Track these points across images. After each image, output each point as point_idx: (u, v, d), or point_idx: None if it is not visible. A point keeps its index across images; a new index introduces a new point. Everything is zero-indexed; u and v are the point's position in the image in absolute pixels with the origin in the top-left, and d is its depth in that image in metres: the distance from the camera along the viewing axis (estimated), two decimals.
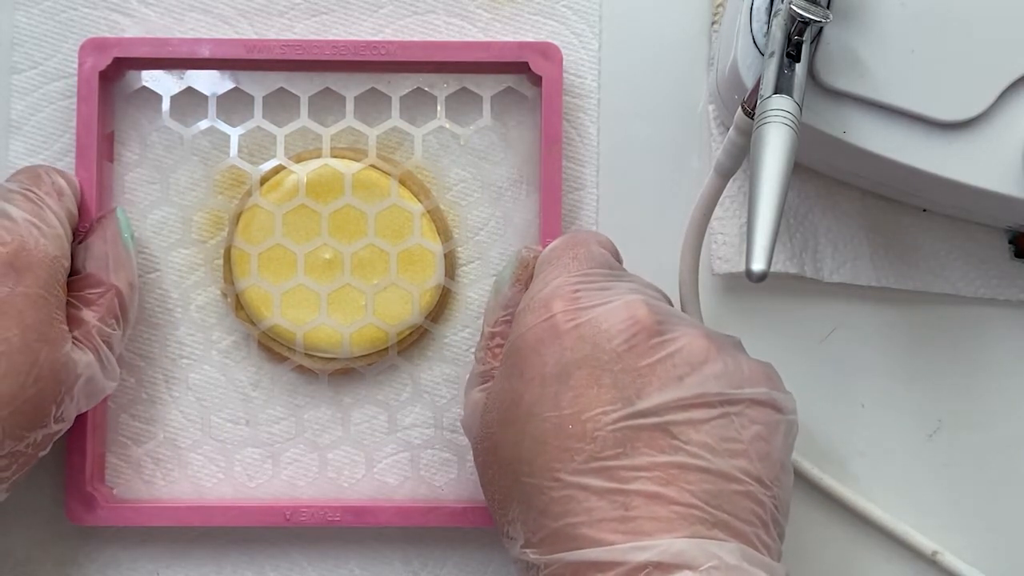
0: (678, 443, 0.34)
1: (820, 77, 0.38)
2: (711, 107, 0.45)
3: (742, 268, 0.41)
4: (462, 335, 0.45)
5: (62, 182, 0.42)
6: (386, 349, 0.44)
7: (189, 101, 0.44)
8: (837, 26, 0.38)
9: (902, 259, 0.45)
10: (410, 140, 0.45)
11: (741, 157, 0.39)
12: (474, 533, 0.44)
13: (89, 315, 0.40)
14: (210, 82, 0.44)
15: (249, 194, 0.44)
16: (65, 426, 0.39)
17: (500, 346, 0.39)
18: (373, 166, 0.44)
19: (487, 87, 0.44)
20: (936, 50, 0.39)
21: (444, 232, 0.44)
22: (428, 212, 0.44)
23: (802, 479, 0.44)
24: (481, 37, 0.45)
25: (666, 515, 0.33)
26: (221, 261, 0.44)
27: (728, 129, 0.40)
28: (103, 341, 0.40)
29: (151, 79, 0.44)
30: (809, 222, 0.44)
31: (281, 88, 0.44)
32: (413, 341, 0.44)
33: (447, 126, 0.45)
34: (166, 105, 0.44)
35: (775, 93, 0.35)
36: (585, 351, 0.35)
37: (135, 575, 0.44)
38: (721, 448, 0.34)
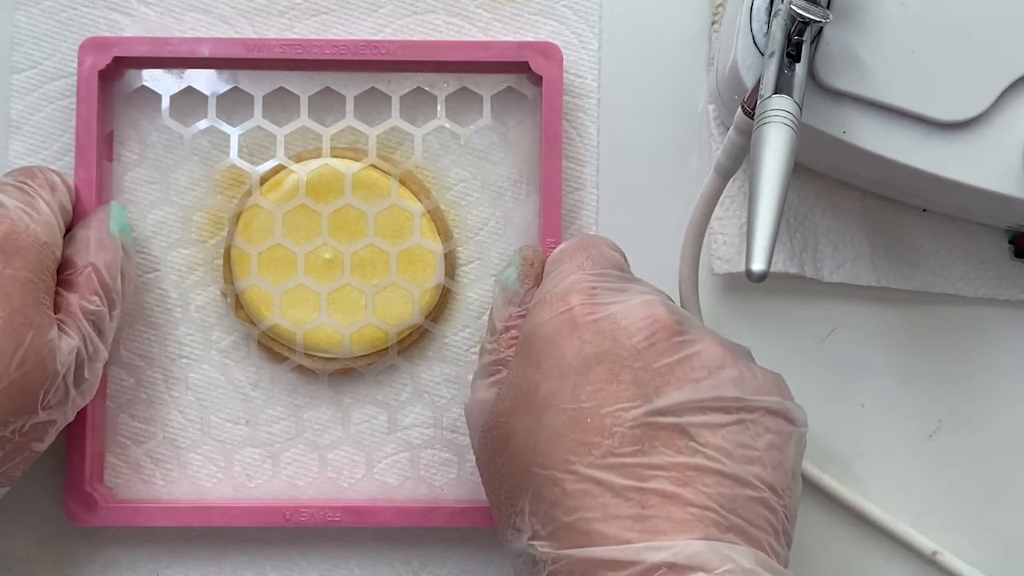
0: (695, 445, 0.34)
1: (820, 77, 0.38)
2: (711, 107, 0.45)
3: (742, 268, 0.41)
4: (462, 335, 0.45)
5: (55, 178, 0.42)
6: (386, 349, 0.44)
7: (189, 100, 0.44)
8: (837, 26, 0.38)
9: (902, 259, 0.45)
10: (410, 140, 0.45)
11: (741, 157, 0.39)
12: (474, 533, 0.44)
13: (70, 296, 0.40)
14: (210, 81, 0.44)
15: (249, 194, 0.44)
16: (60, 417, 0.39)
17: (515, 339, 0.39)
18: (373, 166, 0.44)
19: (487, 87, 0.44)
20: (936, 50, 0.39)
21: (444, 232, 0.44)
22: (428, 212, 0.44)
23: (803, 479, 0.44)
24: (481, 37, 0.45)
25: (682, 516, 0.33)
26: (221, 261, 0.44)
27: (728, 129, 0.40)
28: (87, 320, 0.40)
29: (151, 78, 0.44)
30: (809, 222, 0.44)
31: (281, 88, 0.44)
32: (413, 341, 0.44)
33: (447, 126, 0.45)
34: (166, 104, 0.44)
35: (775, 93, 0.35)
36: (605, 345, 0.35)
37: (135, 575, 0.44)
38: (737, 453, 0.34)
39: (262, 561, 0.44)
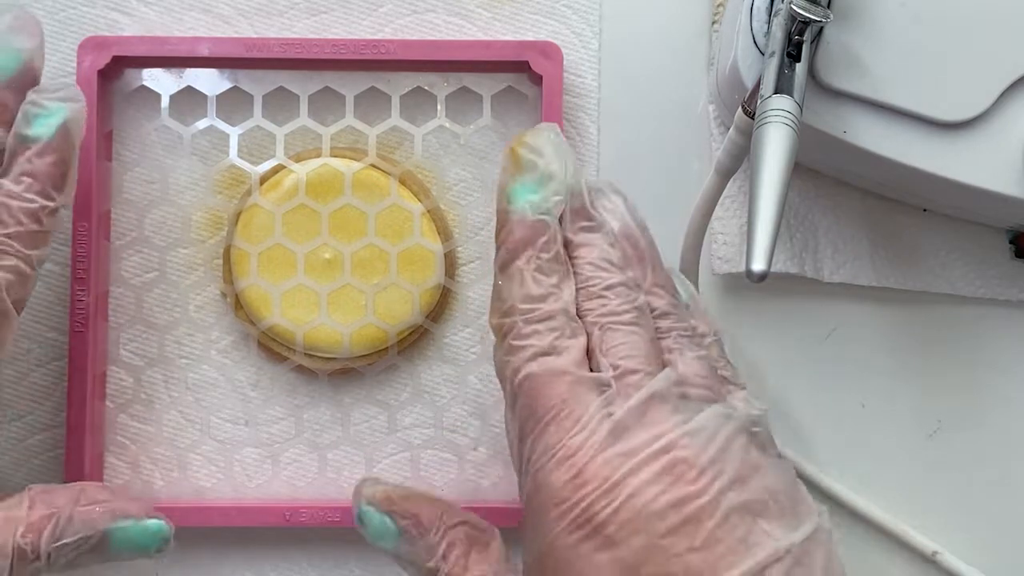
0: None
1: (820, 77, 0.38)
2: (711, 107, 0.45)
3: (742, 268, 0.41)
4: (462, 335, 0.45)
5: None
6: (386, 349, 0.44)
7: (188, 100, 0.44)
8: (837, 26, 0.38)
9: (902, 259, 0.45)
10: (410, 139, 0.45)
11: (741, 157, 0.39)
12: None
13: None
14: (209, 81, 0.44)
15: (249, 193, 0.44)
16: None
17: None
18: (373, 165, 0.44)
19: (487, 86, 0.44)
20: (936, 50, 0.39)
21: (444, 232, 0.44)
22: (428, 212, 0.44)
23: (802, 479, 0.44)
24: (481, 36, 0.45)
25: None
26: (220, 261, 0.44)
27: (728, 129, 0.40)
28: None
29: (150, 78, 0.44)
30: (809, 222, 0.44)
31: (281, 87, 0.44)
32: (413, 341, 0.44)
33: (447, 125, 0.45)
34: (165, 104, 0.44)
35: (775, 93, 0.35)
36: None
37: (135, 575, 0.44)
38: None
39: (262, 561, 0.44)
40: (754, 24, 0.39)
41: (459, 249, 0.45)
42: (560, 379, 0.33)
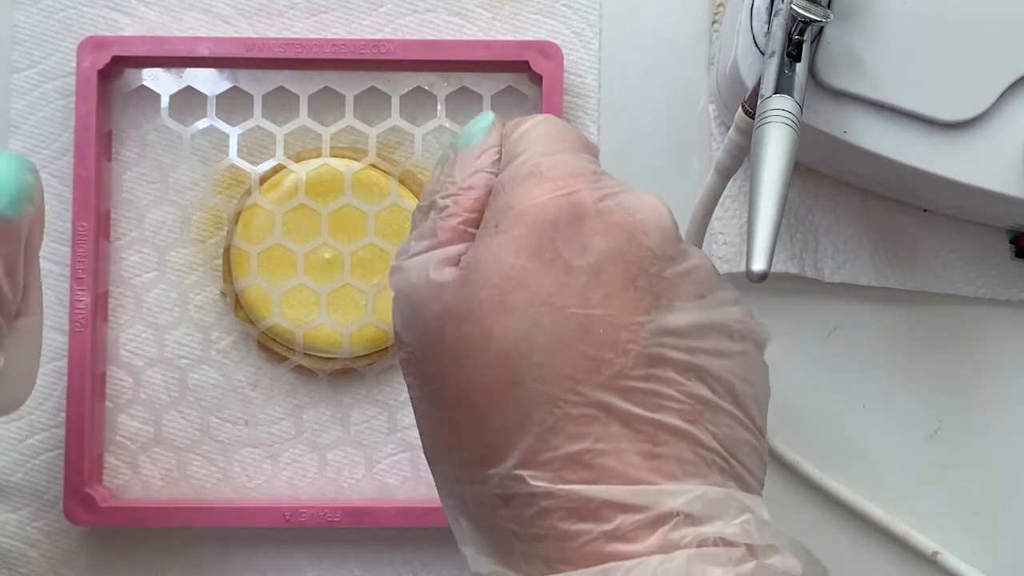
0: (705, 375, 0.29)
1: (821, 77, 0.38)
2: (711, 107, 0.45)
3: (742, 268, 0.41)
4: None
5: None
6: (386, 349, 0.44)
7: (188, 100, 0.44)
8: (838, 26, 0.38)
9: (902, 259, 0.45)
10: (410, 139, 0.45)
11: (741, 157, 0.39)
12: None
13: None
14: (209, 81, 0.44)
15: (248, 193, 0.44)
16: None
17: (480, 202, 0.31)
18: (373, 165, 0.44)
19: (487, 86, 0.44)
20: (937, 50, 0.39)
21: None
22: None
23: (802, 479, 0.44)
24: (481, 36, 0.45)
25: (691, 458, 0.28)
26: (220, 261, 0.44)
27: (728, 129, 0.40)
28: None
29: (150, 78, 0.44)
30: (809, 222, 0.44)
31: (280, 87, 0.44)
32: None
33: (447, 125, 0.44)
34: (165, 104, 0.44)
35: (775, 93, 0.35)
36: (620, 241, 0.29)
37: None
38: (740, 390, 0.29)
39: (262, 562, 0.44)
40: (754, 24, 0.39)
41: None
42: None
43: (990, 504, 0.45)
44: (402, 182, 0.44)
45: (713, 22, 0.46)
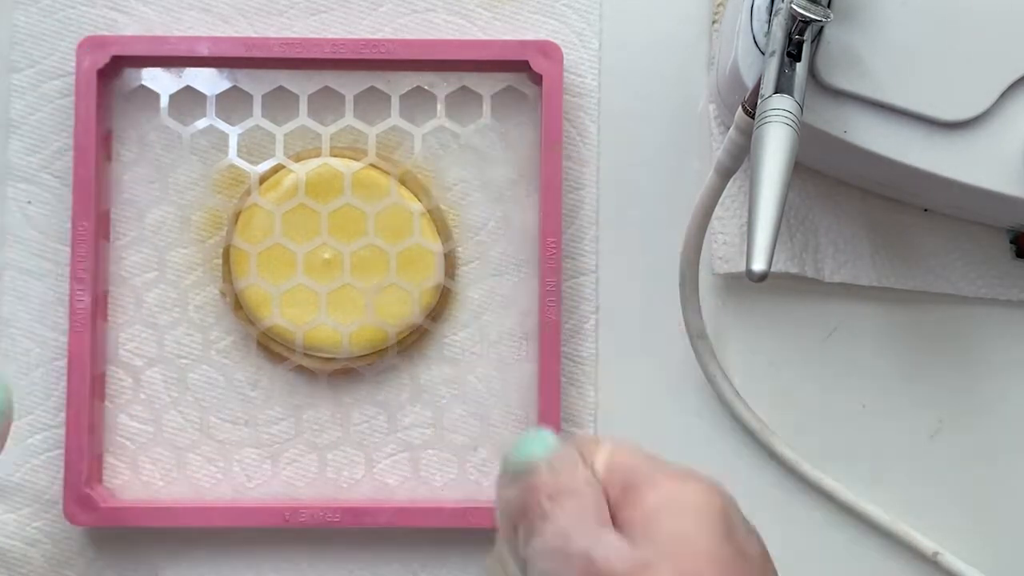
0: None
1: (821, 76, 0.38)
2: (711, 107, 0.45)
3: (742, 268, 0.41)
4: (462, 335, 0.45)
5: None
6: (386, 349, 0.44)
7: (188, 100, 0.44)
8: (838, 25, 0.38)
9: (903, 259, 0.45)
10: (410, 139, 0.45)
11: (742, 157, 0.39)
12: (474, 533, 0.44)
13: None
14: (209, 81, 0.44)
15: (248, 193, 0.44)
16: None
17: None
18: (373, 165, 0.44)
19: (487, 86, 0.44)
20: (937, 50, 0.39)
21: (444, 232, 0.44)
22: (428, 212, 0.44)
23: (802, 479, 0.44)
24: (481, 36, 0.45)
25: None
26: (220, 260, 0.44)
27: (728, 129, 0.40)
28: None
29: (149, 77, 0.44)
30: (809, 222, 0.44)
31: (280, 87, 0.44)
32: (413, 341, 0.44)
33: (447, 125, 0.44)
34: (164, 103, 0.44)
35: (776, 92, 0.35)
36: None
37: None
38: None
39: (262, 562, 0.44)
40: (754, 24, 0.39)
41: (459, 249, 0.45)
42: None
43: (990, 504, 0.45)
44: (402, 182, 0.44)
45: (713, 22, 0.45)
